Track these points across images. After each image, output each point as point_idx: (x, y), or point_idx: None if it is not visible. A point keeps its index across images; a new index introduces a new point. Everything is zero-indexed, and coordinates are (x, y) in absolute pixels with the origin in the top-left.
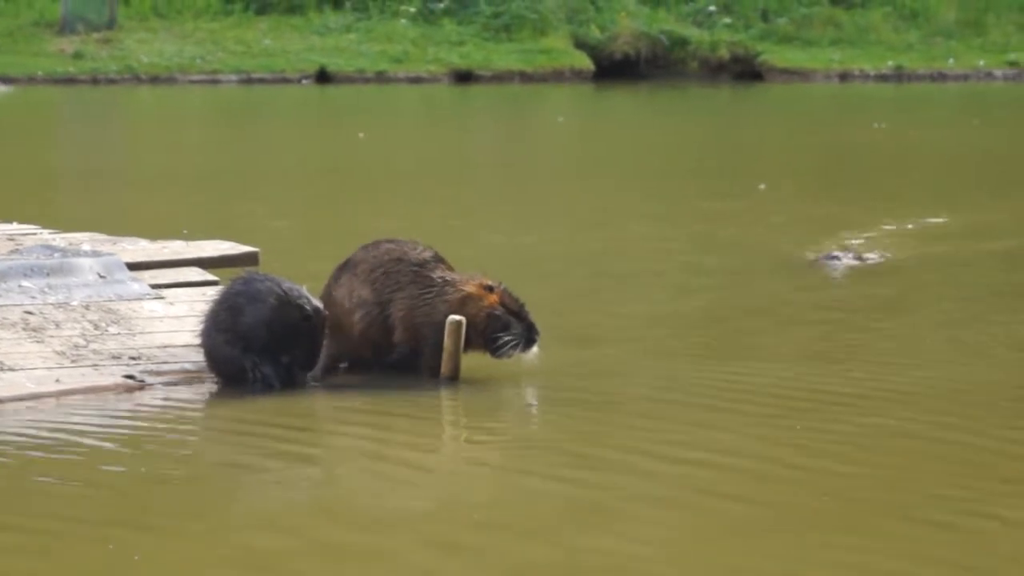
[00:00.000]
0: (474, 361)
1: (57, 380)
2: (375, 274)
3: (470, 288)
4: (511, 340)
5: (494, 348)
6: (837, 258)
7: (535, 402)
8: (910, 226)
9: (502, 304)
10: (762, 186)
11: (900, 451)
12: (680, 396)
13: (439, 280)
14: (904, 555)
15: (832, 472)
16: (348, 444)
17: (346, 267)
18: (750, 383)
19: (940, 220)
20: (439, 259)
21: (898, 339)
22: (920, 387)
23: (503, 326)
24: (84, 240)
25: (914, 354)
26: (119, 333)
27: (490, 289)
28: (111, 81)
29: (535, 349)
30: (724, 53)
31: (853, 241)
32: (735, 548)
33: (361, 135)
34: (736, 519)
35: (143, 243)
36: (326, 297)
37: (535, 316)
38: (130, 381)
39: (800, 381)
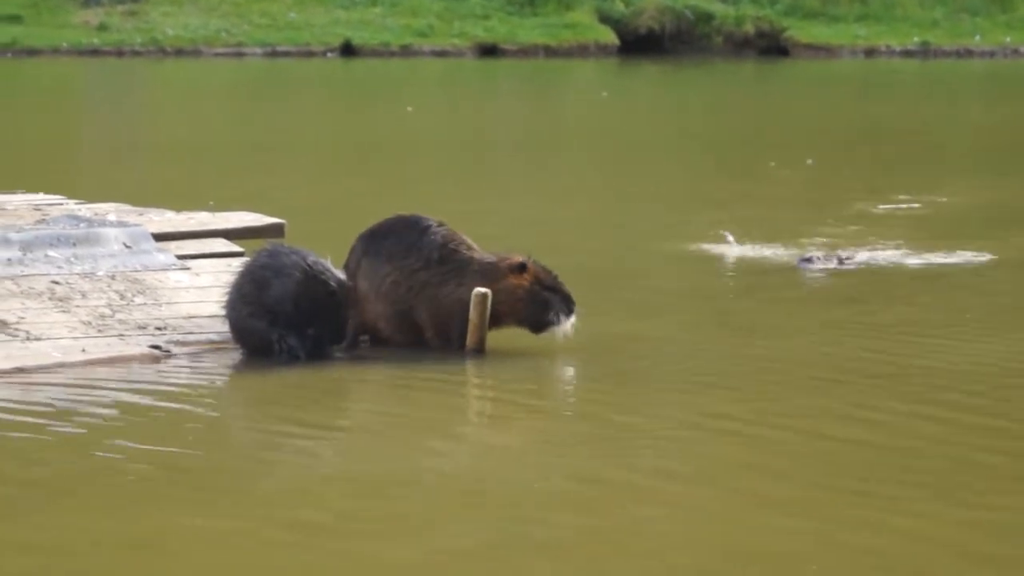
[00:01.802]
0: (498, 332)
1: (83, 350)
2: (389, 281)
3: (503, 282)
4: (552, 319)
5: (536, 327)
6: (810, 260)
7: (562, 373)
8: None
9: (537, 280)
10: (809, 161)
11: (931, 426)
12: (712, 370)
13: (468, 271)
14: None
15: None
16: (375, 415)
17: (365, 256)
18: (782, 358)
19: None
20: (455, 240)
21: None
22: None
23: (543, 306)
24: (110, 210)
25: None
26: (145, 303)
27: (522, 267)
28: (136, 53)
29: (573, 319)
30: (749, 28)
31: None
32: (769, 520)
33: (409, 108)
34: (770, 492)
35: (169, 214)
36: (350, 279)
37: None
38: (156, 351)
39: (834, 357)
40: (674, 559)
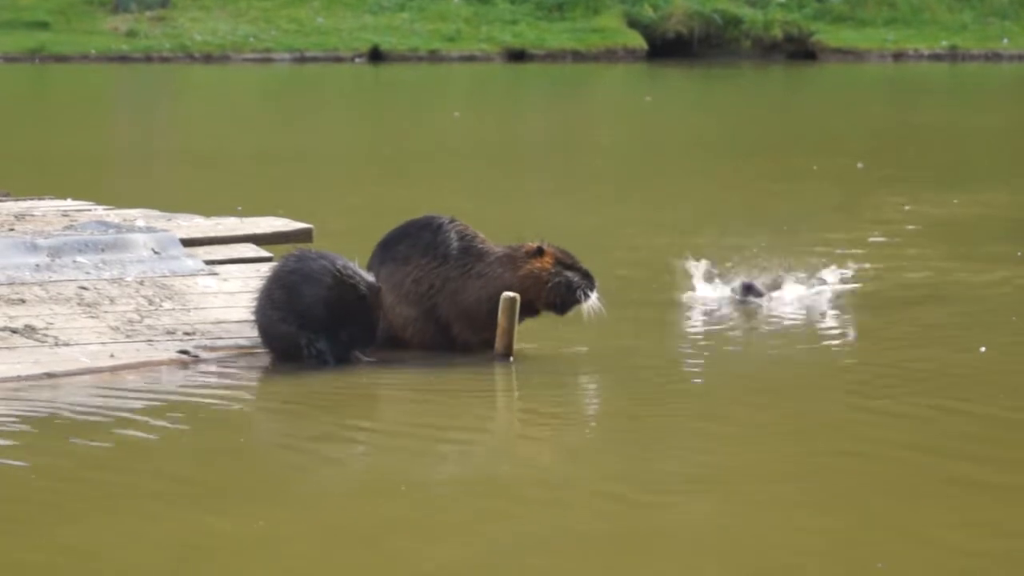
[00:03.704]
0: (527, 336)
1: (112, 355)
2: (410, 281)
3: (526, 268)
4: (580, 297)
5: (563, 308)
6: (749, 295)
7: (589, 377)
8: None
9: (558, 261)
10: (860, 165)
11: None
12: (735, 374)
13: (490, 261)
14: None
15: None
16: (403, 419)
17: (383, 265)
18: (811, 365)
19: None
20: (469, 234)
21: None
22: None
23: (568, 286)
24: (138, 216)
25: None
26: (173, 309)
27: (540, 251)
28: (164, 60)
29: (596, 294)
30: (777, 33)
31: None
32: (790, 526)
33: (456, 114)
34: (787, 498)
35: (197, 219)
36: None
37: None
38: (184, 356)
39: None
40: (710, 562)
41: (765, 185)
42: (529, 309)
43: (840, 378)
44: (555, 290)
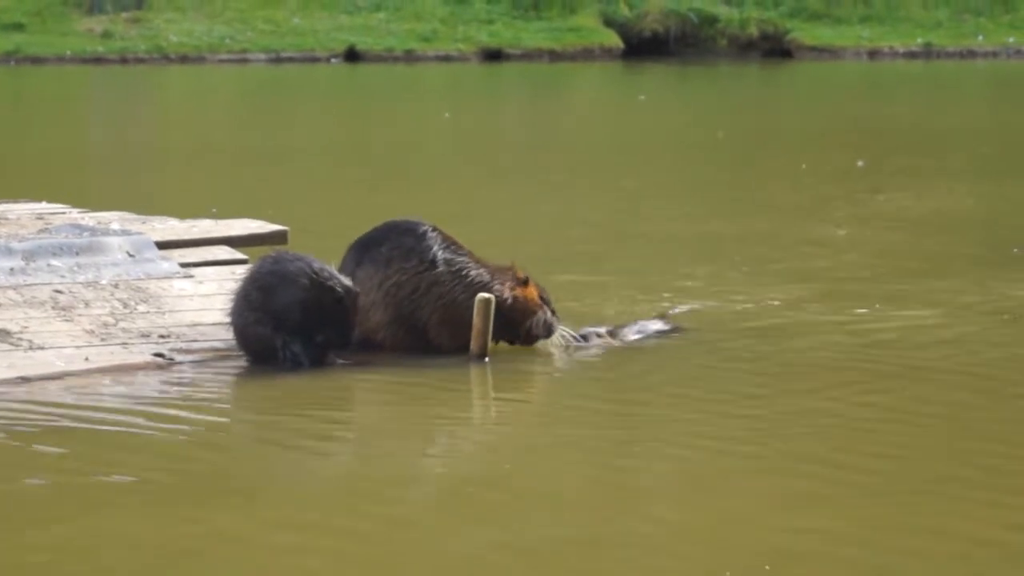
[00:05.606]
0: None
1: (86, 358)
2: (389, 284)
3: (519, 293)
4: (553, 329)
5: (533, 340)
6: (585, 337)
7: (565, 376)
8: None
9: (541, 299)
10: (860, 163)
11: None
12: (713, 373)
13: (486, 275)
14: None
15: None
16: (379, 420)
17: (360, 266)
18: (781, 359)
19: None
20: (453, 243)
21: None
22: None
23: (545, 324)
24: (113, 219)
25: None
26: (148, 312)
27: (525, 282)
28: (140, 61)
29: (561, 329)
30: (753, 31)
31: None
32: (770, 524)
33: (447, 115)
34: (776, 497)
35: (172, 222)
36: None
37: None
38: (159, 359)
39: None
40: (688, 562)
41: (758, 183)
42: (510, 332)
43: (817, 375)
44: (536, 324)
